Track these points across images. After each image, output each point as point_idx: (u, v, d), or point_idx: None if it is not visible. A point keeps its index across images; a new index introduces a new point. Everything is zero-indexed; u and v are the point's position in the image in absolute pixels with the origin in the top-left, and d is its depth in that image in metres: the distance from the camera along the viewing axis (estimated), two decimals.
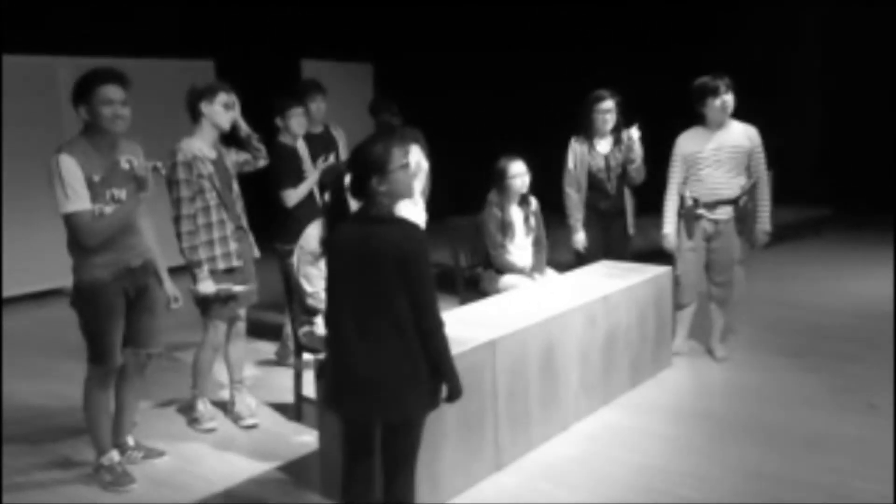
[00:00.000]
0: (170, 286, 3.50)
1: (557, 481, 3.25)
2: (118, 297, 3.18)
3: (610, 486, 3.20)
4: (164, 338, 3.50)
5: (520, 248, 4.64)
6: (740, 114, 4.52)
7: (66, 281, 7.26)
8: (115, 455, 3.31)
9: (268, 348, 5.06)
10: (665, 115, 4.86)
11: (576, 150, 4.91)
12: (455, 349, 3.08)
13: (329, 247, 2.51)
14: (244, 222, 3.89)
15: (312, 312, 3.76)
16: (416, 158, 4.94)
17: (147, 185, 3.15)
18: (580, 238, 4.95)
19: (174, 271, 3.58)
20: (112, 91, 3.04)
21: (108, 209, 3.09)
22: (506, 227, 4.60)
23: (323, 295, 2.72)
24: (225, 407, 4.05)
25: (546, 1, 9.58)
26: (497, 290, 4.44)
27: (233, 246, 3.76)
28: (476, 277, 4.78)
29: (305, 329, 3.83)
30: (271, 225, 4.62)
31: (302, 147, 4.77)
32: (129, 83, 3.12)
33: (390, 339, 2.35)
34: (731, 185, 4.43)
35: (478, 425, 3.22)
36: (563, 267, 4.83)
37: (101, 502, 3.19)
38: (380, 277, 2.34)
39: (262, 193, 4.55)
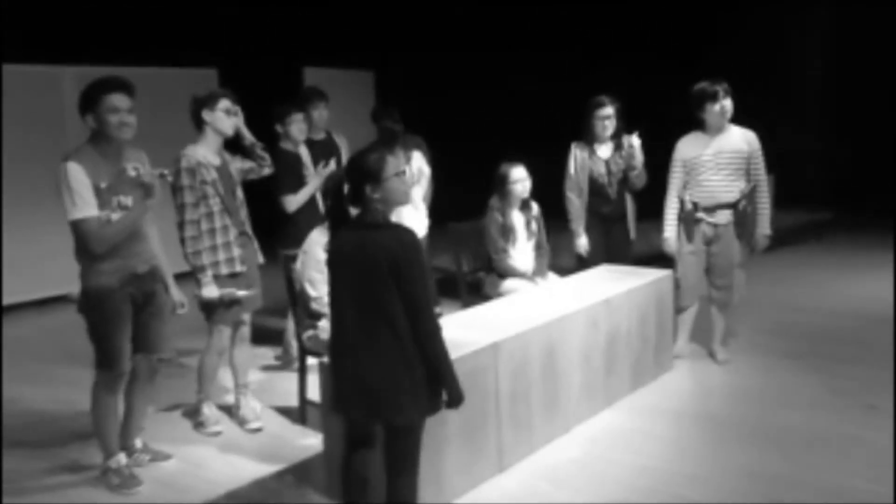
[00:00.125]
0: (175, 292, 3.55)
1: (559, 483, 3.27)
2: (125, 303, 3.22)
3: (611, 487, 3.23)
4: (172, 343, 3.55)
5: (521, 252, 4.68)
6: (741, 118, 4.56)
7: (68, 288, 7.32)
8: (122, 458, 3.35)
9: (272, 353, 5.09)
10: (666, 119, 4.91)
11: (577, 156, 4.95)
12: (458, 352, 3.13)
13: (329, 253, 2.56)
14: (248, 228, 3.93)
15: (316, 316, 3.79)
16: (419, 164, 5.01)
17: (154, 193, 3.20)
18: (582, 242, 4.99)
19: (179, 277, 3.63)
20: (118, 99, 3.09)
21: (115, 216, 3.13)
22: (507, 232, 4.64)
23: (327, 299, 2.76)
24: (230, 411, 4.09)
25: (547, 7, 9.65)
26: (499, 294, 4.48)
27: (236, 251, 3.80)
28: (478, 282, 4.82)
29: (310, 333, 3.87)
30: (274, 230, 4.67)
31: (304, 153, 4.81)
32: (135, 91, 3.17)
33: (387, 344, 2.39)
34: (730, 189, 4.47)
35: (480, 427, 3.25)
36: (564, 271, 4.86)
37: None
38: (375, 283, 2.39)
39: (265, 199, 4.60)
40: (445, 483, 3.09)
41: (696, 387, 4.44)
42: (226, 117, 3.79)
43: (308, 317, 3.90)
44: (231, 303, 3.80)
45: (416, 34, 9.62)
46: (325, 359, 3.01)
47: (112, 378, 3.28)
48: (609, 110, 4.86)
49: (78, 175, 3.04)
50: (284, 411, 4.15)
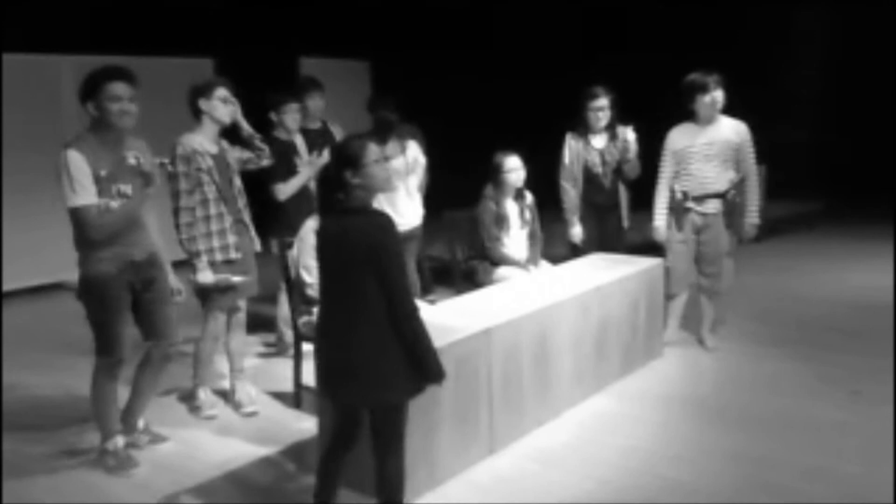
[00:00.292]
0: (173, 279, 3.59)
1: (549, 464, 3.34)
2: (124, 291, 3.26)
3: (601, 468, 3.30)
4: (179, 328, 3.57)
5: (515, 240, 4.74)
6: (735, 109, 4.61)
7: (65, 275, 7.34)
8: (119, 440, 3.40)
9: (268, 339, 5.15)
10: (662, 110, 4.94)
11: (572, 146, 5.01)
12: (451, 337, 3.20)
13: (316, 239, 2.64)
14: (246, 217, 3.97)
15: (312, 303, 3.85)
16: (414, 154, 5.05)
17: (154, 182, 3.25)
18: (577, 231, 5.05)
19: (177, 265, 3.67)
20: (120, 88, 3.12)
21: (115, 204, 3.17)
22: (501, 221, 4.70)
23: None
24: (226, 396, 4.15)
25: None
26: (492, 282, 4.54)
27: (231, 238, 3.84)
28: (472, 270, 4.87)
29: (305, 319, 3.93)
30: (265, 219, 4.71)
31: (300, 142, 4.86)
32: (137, 80, 3.20)
33: (366, 327, 2.44)
34: (720, 179, 4.53)
35: (473, 410, 3.31)
36: (557, 260, 4.92)
37: (106, 486, 3.27)
38: (353, 267, 2.45)
39: (257, 188, 4.63)
40: (438, 464, 3.15)
41: (685, 373, 4.51)
42: (222, 106, 3.82)
43: (303, 303, 3.96)
44: (226, 289, 3.84)
45: (412, 24, 9.64)
46: None
47: (111, 364, 3.32)
48: (603, 101, 4.91)
49: (78, 162, 3.07)
50: (279, 396, 4.21)
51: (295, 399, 4.04)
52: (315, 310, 3.82)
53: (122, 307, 3.27)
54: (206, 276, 3.74)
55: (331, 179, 2.55)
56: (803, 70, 9.96)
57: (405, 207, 4.98)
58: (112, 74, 3.13)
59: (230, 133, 3.98)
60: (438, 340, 3.11)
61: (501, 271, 4.65)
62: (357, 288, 2.44)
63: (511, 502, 3.04)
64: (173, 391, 4.27)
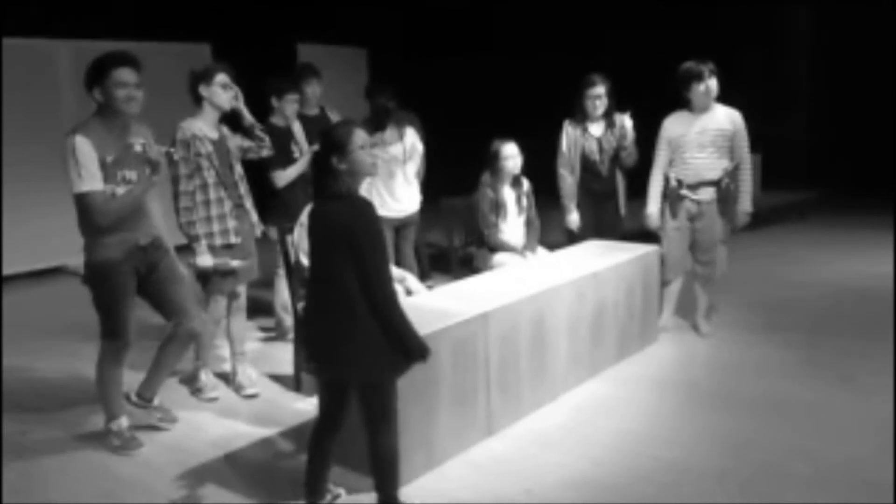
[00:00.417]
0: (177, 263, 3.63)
1: (546, 446, 3.41)
2: (129, 276, 3.30)
3: (596, 449, 3.37)
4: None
5: (512, 227, 4.80)
6: (730, 98, 4.66)
7: (66, 259, 7.38)
8: (123, 421, 3.46)
9: (265, 325, 5.20)
10: (656, 99, 4.98)
11: (569, 133, 5.05)
12: (449, 321, 3.26)
13: (308, 223, 2.71)
14: (247, 202, 4.01)
15: None
16: (412, 141, 5.08)
17: (160, 170, 3.27)
18: (574, 218, 5.10)
19: (178, 250, 3.71)
20: (126, 74, 3.14)
21: (120, 190, 3.20)
22: (498, 208, 4.75)
23: None
24: (227, 378, 4.21)
25: None
26: (490, 268, 4.59)
27: (231, 223, 3.88)
28: (469, 256, 4.93)
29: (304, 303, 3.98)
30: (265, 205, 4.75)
31: (298, 129, 4.88)
32: (142, 66, 3.22)
33: (347, 308, 2.51)
34: (714, 167, 4.59)
35: (471, 393, 3.38)
36: (554, 247, 4.97)
37: (111, 465, 3.33)
38: (334, 250, 2.52)
39: (255, 174, 4.67)
40: (437, 446, 3.21)
41: (679, 358, 4.58)
42: (222, 92, 3.86)
43: (303, 287, 4.00)
44: (226, 273, 3.89)
45: (410, 11, 9.64)
46: None
47: (117, 348, 3.37)
48: (600, 89, 4.95)
49: (85, 149, 3.09)
50: (279, 379, 4.27)
51: (295, 382, 4.10)
52: None
53: (128, 292, 3.32)
54: (205, 260, 3.79)
55: (319, 165, 2.62)
56: (796, 60, 10.00)
57: (403, 194, 5.03)
58: (118, 60, 3.15)
59: (231, 121, 4.01)
60: (437, 324, 3.20)
61: (498, 257, 4.71)
62: (337, 270, 2.52)
63: (509, 482, 3.10)
64: (175, 374, 4.31)
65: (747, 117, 4.66)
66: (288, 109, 4.73)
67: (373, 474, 2.68)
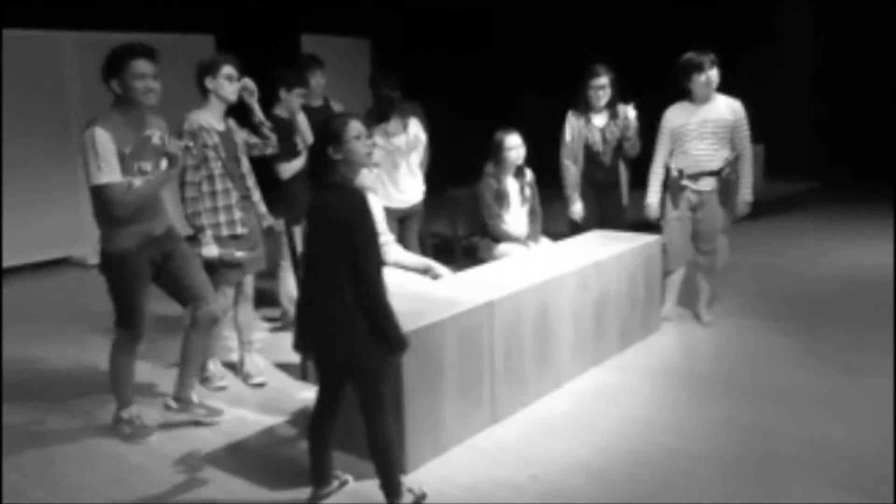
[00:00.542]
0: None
1: (550, 432, 3.46)
2: (145, 266, 3.33)
3: (599, 436, 3.42)
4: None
5: (515, 217, 4.83)
6: (733, 89, 4.68)
7: (67, 250, 7.40)
8: (134, 409, 3.51)
9: (270, 315, 5.25)
10: (660, 89, 5.00)
11: (573, 124, 5.07)
12: (455, 309, 3.30)
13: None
14: (254, 194, 4.05)
15: None
16: (415, 131, 5.10)
17: (179, 163, 3.30)
18: (577, 208, 5.13)
19: (186, 241, 3.75)
20: (144, 65, 3.16)
21: (137, 181, 3.22)
22: (502, 198, 4.78)
23: None
24: (234, 368, 4.25)
25: None
26: (493, 258, 4.63)
27: (237, 214, 3.92)
28: (473, 246, 4.97)
29: None
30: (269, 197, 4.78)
31: (303, 121, 4.90)
32: (159, 57, 3.24)
33: (335, 296, 2.56)
34: (715, 157, 4.61)
35: (476, 381, 3.42)
36: (557, 237, 5.00)
37: (122, 453, 3.38)
38: (325, 240, 2.58)
39: (265, 167, 4.70)
40: (443, 432, 3.26)
41: (681, 347, 4.63)
42: (228, 84, 3.88)
43: None
44: (233, 264, 3.93)
45: (414, 1, 9.63)
46: None
47: (131, 337, 3.41)
48: (603, 80, 4.97)
49: (104, 140, 3.10)
50: (286, 368, 4.32)
51: (301, 370, 4.14)
52: None
53: (144, 282, 3.35)
54: (210, 251, 3.82)
55: (315, 155, 2.67)
56: (798, 52, 9.99)
57: (407, 185, 5.05)
58: (136, 51, 3.16)
59: (238, 116, 4.04)
60: (443, 313, 3.25)
61: (502, 248, 4.74)
62: (328, 259, 2.57)
63: (514, 467, 3.15)
64: None
65: (749, 107, 4.68)
66: (294, 102, 4.75)
67: (372, 460, 2.74)
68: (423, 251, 5.72)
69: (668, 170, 4.75)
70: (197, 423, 3.59)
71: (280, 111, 4.77)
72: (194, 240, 3.85)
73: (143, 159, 3.25)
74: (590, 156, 5.05)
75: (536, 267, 4.07)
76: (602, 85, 4.96)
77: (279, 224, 4.57)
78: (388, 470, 2.73)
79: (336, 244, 2.54)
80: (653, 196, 4.80)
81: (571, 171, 5.09)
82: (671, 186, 4.73)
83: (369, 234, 2.57)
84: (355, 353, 2.59)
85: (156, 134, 3.32)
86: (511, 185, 4.82)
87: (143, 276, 3.34)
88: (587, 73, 5.00)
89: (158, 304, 3.61)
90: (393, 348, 2.62)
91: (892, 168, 9.09)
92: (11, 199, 6.84)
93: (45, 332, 5.20)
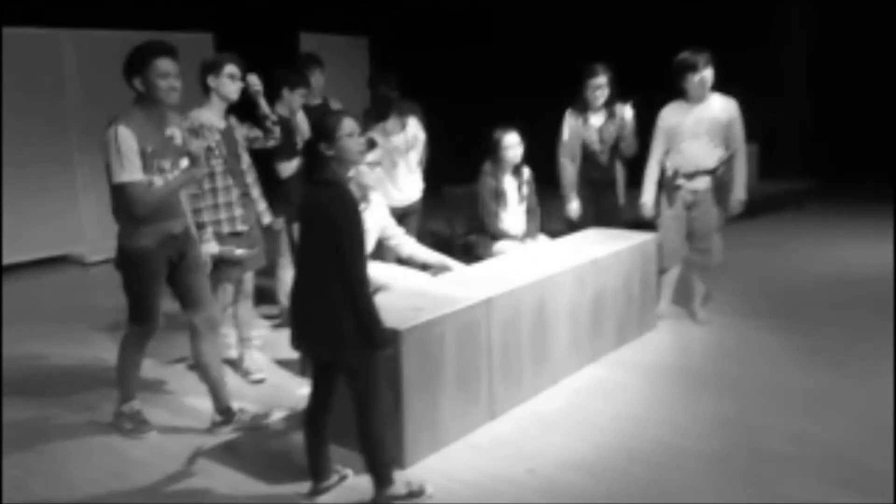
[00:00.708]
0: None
1: (547, 428, 3.51)
2: (162, 264, 3.34)
3: (595, 431, 3.47)
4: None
5: (513, 215, 4.87)
6: (729, 88, 4.72)
7: (66, 248, 7.39)
8: (136, 404, 3.54)
9: (268, 312, 5.28)
10: (657, 89, 5.04)
11: (570, 123, 5.12)
12: (453, 306, 3.34)
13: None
14: (255, 191, 4.08)
15: None
16: (414, 130, 5.14)
17: (200, 164, 3.31)
18: (574, 207, 5.18)
19: None
20: (168, 64, 3.17)
21: (157, 179, 3.22)
22: (499, 196, 4.82)
23: None
24: (234, 364, 4.29)
25: None
26: (491, 256, 4.67)
27: (238, 211, 3.95)
28: (471, 244, 5.01)
29: None
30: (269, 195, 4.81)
31: (302, 119, 4.94)
32: (178, 56, 3.25)
33: (323, 292, 2.62)
34: (709, 156, 4.66)
35: (474, 377, 3.46)
36: (554, 235, 5.04)
37: (123, 448, 3.42)
38: (314, 236, 2.64)
39: (266, 166, 4.73)
40: (441, 428, 3.30)
41: (677, 344, 4.68)
42: (230, 83, 3.91)
43: None
44: (233, 261, 3.96)
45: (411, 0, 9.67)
46: None
47: (144, 333, 3.44)
48: (601, 80, 5.01)
49: (127, 139, 3.11)
50: (285, 364, 4.35)
51: (300, 367, 4.18)
52: None
53: (159, 279, 3.36)
54: (211, 248, 3.84)
55: (309, 152, 2.73)
56: (795, 50, 10.03)
57: (405, 183, 5.09)
58: (160, 50, 3.16)
59: (239, 111, 4.07)
60: (441, 309, 3.28)
61: (500, 245, 4.79)
62: (317, 255, 2.63)
63: (511, 462, 3.19)
64: (183, 360, 4.41)
65: (746, 107, 4.73)
66: (296, 101, 4.79)
67: (361, 451, 2.79)
68: None
69: (663, 169, 4.80)
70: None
71: (281, 109, 4.80)
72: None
73: (164, 158, 3.26)
74: (587, 155, 5.10)
75: (534, 264, 4.11)
76: (600, 84, 5.01)
77: (278, 222, 4.61)
78: (377, 461, 2.78)
79: (324, 240, 2.59)
80: (648, 195, 4.85)
81: (569, 169, 5.13)
82: (666, 185, 4.78)
83: (356, 231, 2.62)
84: (342, 347, 2.65)
85: (177, 134, 3.34)
86: (509, 183, 4.87)
87: (160, 274, 3.35)
88: (585, 73, 5.04)
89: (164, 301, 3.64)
90: (375, 345, 2.67)
91: (886, 168, 9.14)
92: (9, 196, 6.85)
93: (44, 329, 5.23)
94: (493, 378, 3.57)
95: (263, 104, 4.09)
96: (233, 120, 4.03)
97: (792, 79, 10.08)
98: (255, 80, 4.04)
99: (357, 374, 2.72)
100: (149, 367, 4.25)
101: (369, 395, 2.72)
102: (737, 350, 4.48)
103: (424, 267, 5.48)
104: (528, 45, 9.93)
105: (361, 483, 2.95)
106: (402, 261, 4.79)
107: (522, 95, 9.20)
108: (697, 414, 3.63)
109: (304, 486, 2.97)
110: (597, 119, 5.09)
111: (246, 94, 4.03)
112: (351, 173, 2.88)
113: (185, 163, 3.32)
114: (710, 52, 4.61)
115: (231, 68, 3.89)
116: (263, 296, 5.33)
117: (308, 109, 5.02)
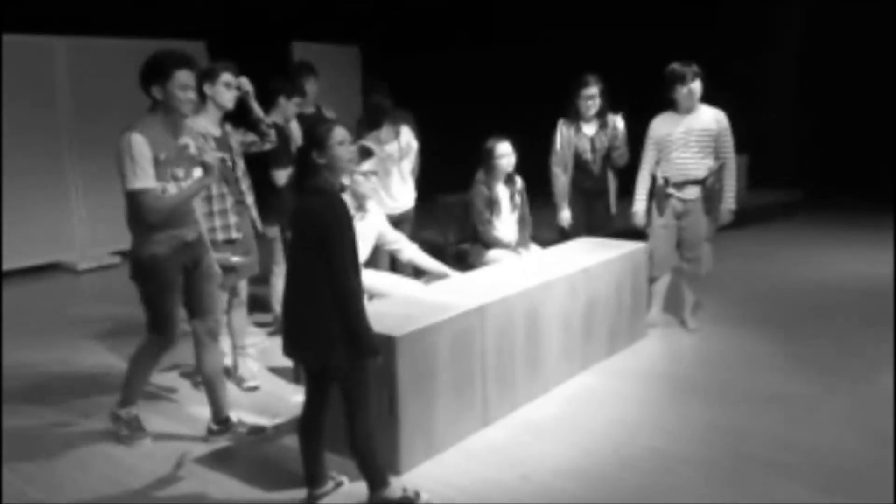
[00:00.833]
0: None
1: (540, 435, 3.54)
2: (176, 272, 3.34)
3: (587, 438, 3.50)
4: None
5: (505, 224, 4.92)
6: (719, 101, 4.80)
7: (60, 255, 7.37)
8: (133, 410, 3.55)
9: (261, 320, 5.30)
10: (648, 99, 5.11)
11: (563, 132, 5.18)
12: (447, 314, 3.37)
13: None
14: (248, 199, 4.10)
15: None
16: (407, 139, 5.19)
17: (214, 173, 3.32)
18: (566, 216, 5.23)
19: None
20: (187, 76, 3.20)
21: (170, 187, 3.23)
22: (492, 205, 4.87)
23: None
24: (228, 371, 4.28)
25: None
26: (484, 264, 4.71)
27: (232, 219, 3.97)
28: (464, 252, 5.05)
29: None
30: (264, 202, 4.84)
31: (296, 128, 4.97)
32: (196, 66, 3.30)
33: (313, 300, 2.66)
34: (699, 166, 4.73)
35: (468, 384, 3.49)
36: (546, 244, 5.08)
37: (117, 455, 3.43)
38: (305, 244, 2.68)
39: (261, 173, 4.75)
40: (435, 435, 3.33)
41: (667, 352, 4.72)
42: (226, 91, 3.94)
43: None
44: (227, 268, 3.97)
45: (402, 9, 9.72)
46: None
47: (162, 343, 3.43)
48: (593, 90, 5.07)
49: (141, 147, 3.12)
50: (278, 372, 4.37)
51: (294, 374, 4.20)
52: None
53: (176, 288, 3.35)
54: None
55: (301, 160, 2.77)
56: (786, 59, 10.15)
57: (399, 191, 5.13)
58: (181, 61, 3.19)
59: (234, 117, 4.10)
60: (436, 317, 3.32)
61: (492, 254, 4.83)
62: (309, 262, 2.66)
63: (504, 469, 3.22)
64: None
65: (736, 117, 4.80)
66: (291, 110, 4.83)
67: (353, 457, 2.82)
68: None
69: (654, 178, 4.86)
70: (237, 439, 3.55)
71: (276, 117, 4.83)
72: None
73: (178, 166, 3.27)
74: (579, 164, 5.16)
75: (526, 273, 4.15)
76: (592, 95, 5.07)
77: (272, 230, 4.63)
78: (370, 466, 2.81)
79: (316, 248, 2.63)
80: (639, 204, 4.91)
81: (561, 179, 5.18)
82: (657, 195, 4.84)
83: (348, 239, 2.65)
84: (332, 354, 2.68)
85: (191, 144, 3.37)
86: (502, 192, 4.91)
87: (175, 281, 3.34)
88: (578, 83, 5.10)
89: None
90: (365, 352, 2.69)
91: (877, 178, 9.24)
92: (5, 202, 6.84)
93: (37, 336, 5.22)
94: (487, 385, 3.61)
95: (255, 107, 4.12)
96: (228, 127, 4.06)
97: (782, 89, 10.20)
98: (245, 82, 4.07)
99: (347, 381, 2.75)
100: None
101: (359, 401, 2.75)
102: (726, 358, 4.54)
103: (418, 274, 5.53)
104: (521, 52, 9.98)
105: (357, 489, 2.97)
106: (396, 268, 4.83)
107: (515, 104, 9.26)
108: (687, 421, 3.68)
109: (300, 494, 2.99)
110: (589, 129, 5.15)
111: (239, 99, 4.06)
112: (346, 182, 2.91)
113: (198, 172, 3.34)
114: (700, 62, 4.68)
115: (227, 76, 3.93)
116: (257, 304, 5.35)
117: (302, 118, 5.06)
